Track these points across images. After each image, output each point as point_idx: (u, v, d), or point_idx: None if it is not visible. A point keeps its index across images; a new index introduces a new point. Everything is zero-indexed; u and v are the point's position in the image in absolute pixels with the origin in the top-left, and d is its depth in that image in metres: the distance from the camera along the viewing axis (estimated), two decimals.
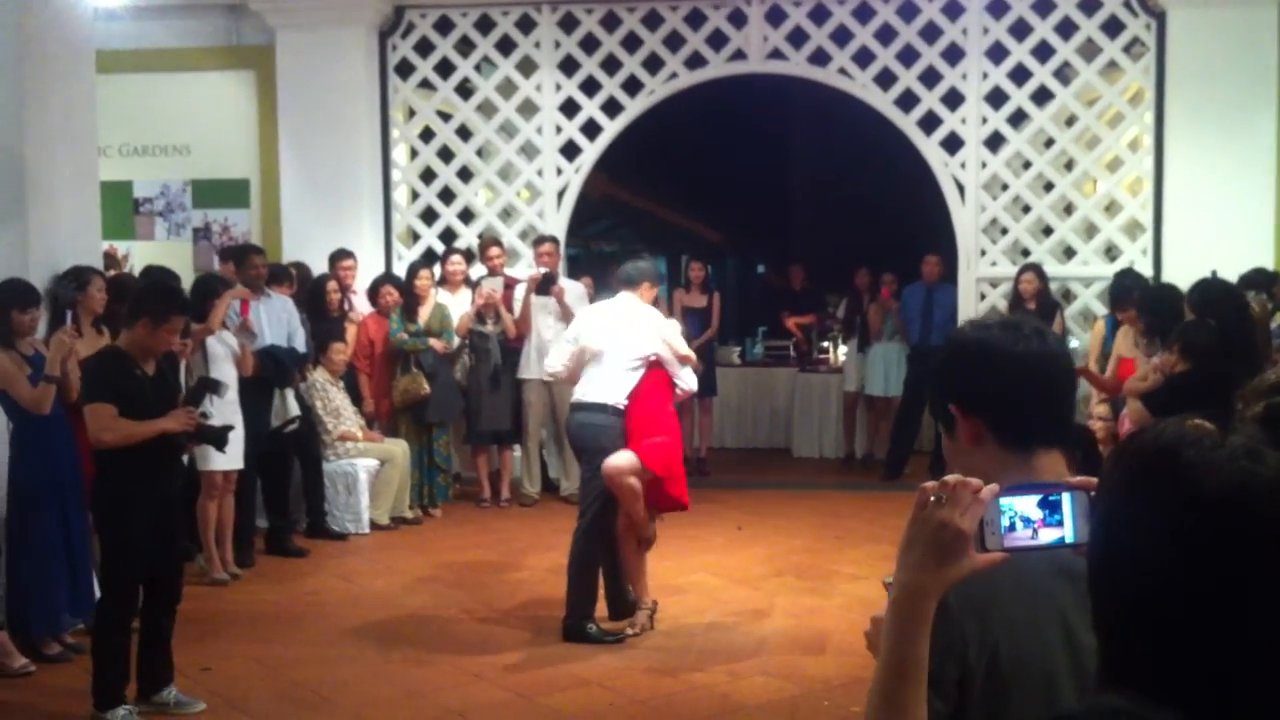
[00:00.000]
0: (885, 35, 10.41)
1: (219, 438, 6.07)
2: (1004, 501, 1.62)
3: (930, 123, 10.43)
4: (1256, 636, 1.25)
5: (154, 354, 5.74)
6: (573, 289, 10.08)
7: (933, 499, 1.63)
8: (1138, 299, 7.08)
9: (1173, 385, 5.75)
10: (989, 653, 1.79)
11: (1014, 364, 1.99)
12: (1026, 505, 1.63)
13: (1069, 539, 1.62)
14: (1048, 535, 1.63)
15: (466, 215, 11.12)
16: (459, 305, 10.09)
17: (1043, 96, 10.35)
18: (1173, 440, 1.34)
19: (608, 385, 6.78)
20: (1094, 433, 6.79)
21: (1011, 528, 1.62)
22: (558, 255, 10.27)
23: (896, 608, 1.65)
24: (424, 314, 9.77)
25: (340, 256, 9.95)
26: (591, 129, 10.84)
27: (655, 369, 6.81)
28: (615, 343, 6.84)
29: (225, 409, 7.83)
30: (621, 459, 6.61)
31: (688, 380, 6.92)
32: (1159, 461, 1.33)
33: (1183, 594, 1.27)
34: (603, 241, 21.24)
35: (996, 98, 10.36)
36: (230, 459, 7.88)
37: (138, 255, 10.61)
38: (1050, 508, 1.63)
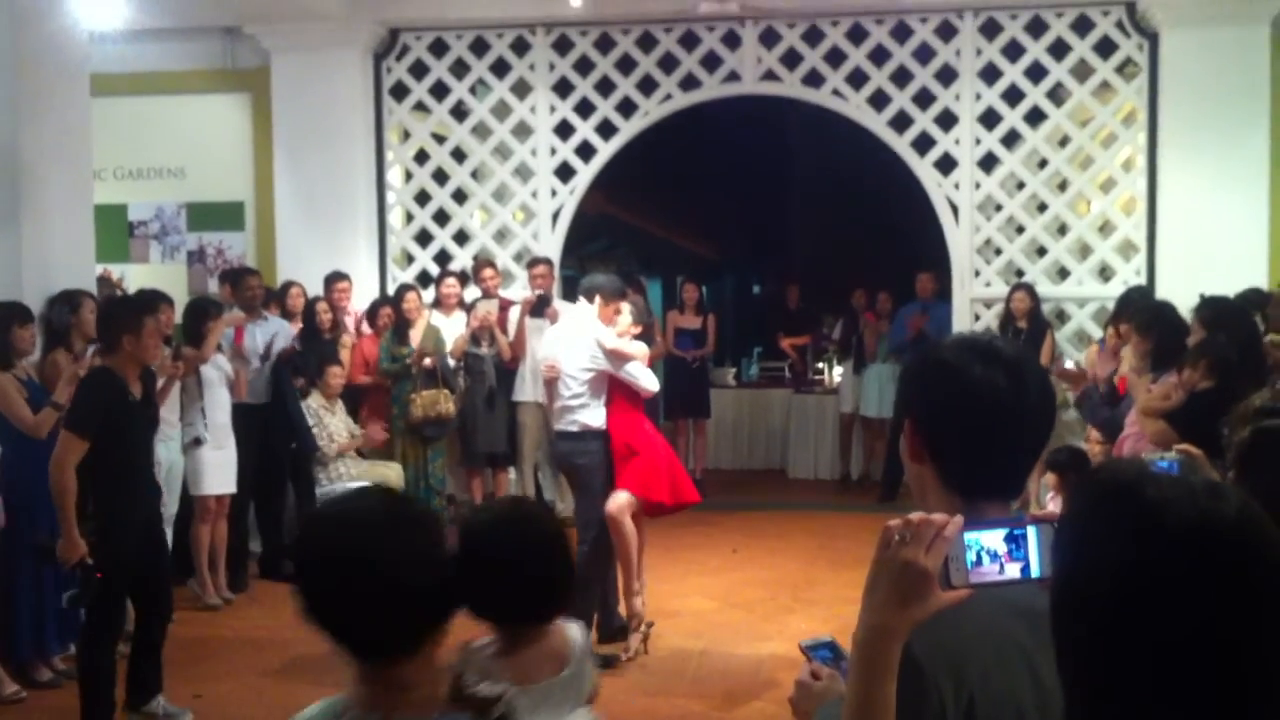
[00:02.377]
0: (879, 57, 10.43)
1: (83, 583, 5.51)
2: (969, 536, 1.60)
3: (924, 144, 10.44)
4: (1221, 668, 1.27)
5: (145, 364, 5.80)
6: (562, 307, 10.07)
7: (896, 538, 1.60)
8: (1138, 321, 7.01)
9: (1197, 402, 5.72)
10: (965, 706, 1.72)
11: (971, 405, 1.83)
12: (992, 540, 1.60)
13: (1035, 573, 1.60)
14: (1013, 570, 1.60)
15: (461, 237, 11.12)
16: (454, 327, 10.08)
17: (1036, 117, 10.37)
18: (1134, 478, 1.36)
19: (581, 410, 6.83)
20: (1088, 456, 6.76)
21: (978, 562, 1.60)
22: (551, 277, 10.26)
23: (862, 650, 1.63)
24: (416, 336, 9.74)
25: (335, 279, 9.94)
26: (586, 151, 10.85)
27: (619, 382, 6.84)
28: (566, 360, 6.92)
29: (218, 433, 7.84)
30: (616, 503, 6.69)
31: (642, 379, 6.86)
32: (1122, 499, 1.34)
33: (1146, 629, 1.29)
34: (599, 261, 21.23)
35: (990, 118, 10.38)
36: (223, 483, 7.90)
37: (132, 278, 10.59)
38: (1015, 541, 1.60)
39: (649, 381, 6.90)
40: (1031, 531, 1.60)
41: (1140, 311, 7.04)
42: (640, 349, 6.95)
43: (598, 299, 6.99)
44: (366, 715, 2.04)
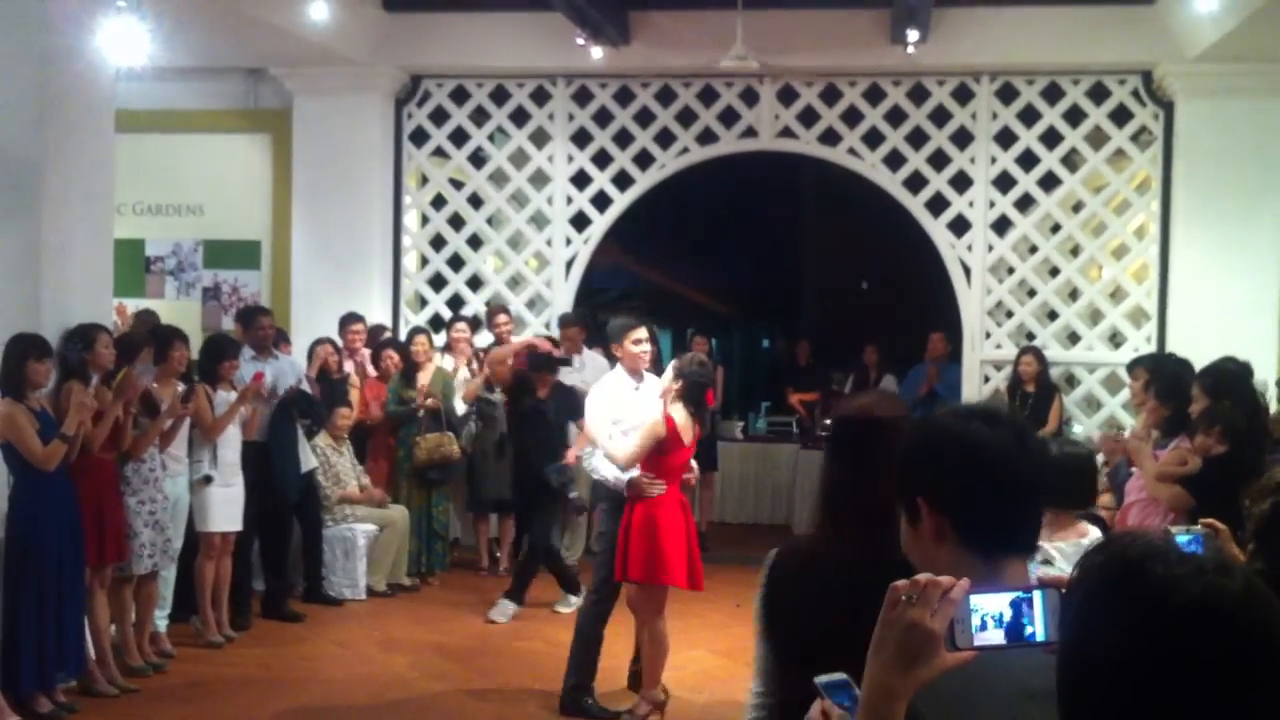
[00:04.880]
0: (895, 117, 10.52)
1: None
2: (974, 600, 1.61)
3: (938, 204, 10.51)
4: None
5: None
6: (594, 363, 10.01)
7: (903, 598, 1.62)
8: (1159, 388, 6.98)
9: (1213, 467, 5.76)
10: None
11: (988, 462, 1.90)
12: (997, 604, 1.62)
13: (1040, 637, 1.61)
14: (1018, 634, 1.61)
15: (475, 282, 11.18)
16: (464, 372, 10.12)
17: (1050, 182, 10.44)
18: (1140, 554, 1.38)
19: (596, 458, 6.77)
20: (1105, 520, 6.73)
21: (983, 626, 1.61)
22: (581, 340, 10.09)
23: (867, 710, 1.63)
24: (424, 379, 9.77)
25: (350, 320, 9.97)
26: (602, 201, 10.93)
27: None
28: None
29: (227, 471, 7.86)
30: (649, 603, 6.61)
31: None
32: (1128, 574, 1.37)
33: (1151, 705, 1.31)
34: (610, 311, 21.29)
35: (1004, 182, 10.45)
36: (229, 520, 7.91)
37: None
38: (1021, 606, 1.62)
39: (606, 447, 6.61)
40: (1038, 596, 1.61)
41: (1162, 378, 7.05)
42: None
43: (614, 345, 6.91)
44: None
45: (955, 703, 1.64)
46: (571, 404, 8.73)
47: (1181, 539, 2.74)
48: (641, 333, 6.79)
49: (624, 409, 6.66)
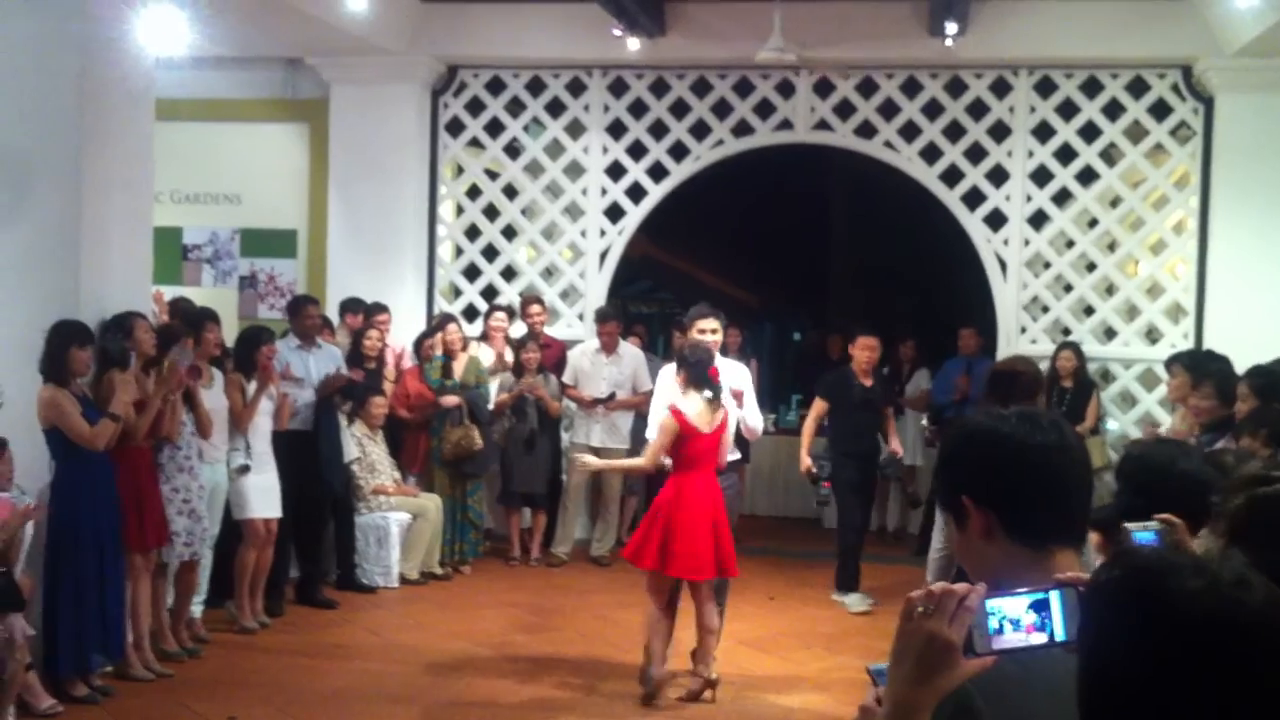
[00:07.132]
0: (932, 110, 10.46)
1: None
2: (990, 604, 1.60)
3: (974, 198, 10.45)
4: None
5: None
6: (630, 354, 10.17)
7: (919, 609, 1.62)
8: (1214, 389, 6.94)
9: None
10: None
11: (1031, 457, 1.92)
12: (1014, 606, 1.61)
13: (1060, 637, 1.59)
14: (1038, 637, 1.60)
15: (509, 273, 11.20)
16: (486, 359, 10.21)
17: (1088, 176, 10.36)
18: (1159, 568, 1.38)
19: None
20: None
21: (1000, 630, 1.60)
22: (618, 334, 10.38)
23: None
24: (458, 368, 9.79)
25: (375, 310, 9.96)
26: (636, 192, 10.92)
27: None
28: None
29: (258, 459, 7.90)
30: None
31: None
32: (1147, 588, 1.37)
33: (1172, 715, 1.31)
34: (641, 303, 21.30)
35: (1041, 176, 10.38)
36: (268, 506, 7.95)
37: None
38: (1039, 607, 1.61)
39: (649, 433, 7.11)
40: (1055, 596, 1.60)
41: (1217, 378, 6.97)
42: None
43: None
44: None
45: (1013, 690, 1.64)
46: (889, 392, 9.43)
47: (1139, 535, 2.70)
48: (709, 323, 7.06)
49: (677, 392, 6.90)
